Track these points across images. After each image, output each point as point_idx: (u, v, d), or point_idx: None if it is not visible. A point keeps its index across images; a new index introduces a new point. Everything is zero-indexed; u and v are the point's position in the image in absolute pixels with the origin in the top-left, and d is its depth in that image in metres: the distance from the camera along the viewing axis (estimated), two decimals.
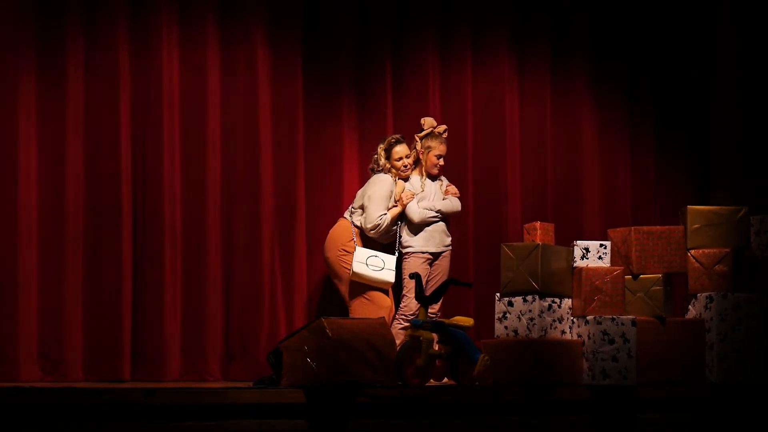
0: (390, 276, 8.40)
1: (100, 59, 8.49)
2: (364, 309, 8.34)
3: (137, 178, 8.55)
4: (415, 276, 7.70)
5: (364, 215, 8.46)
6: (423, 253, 8.54)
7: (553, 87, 9.48)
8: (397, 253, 8.47)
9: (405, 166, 8.57)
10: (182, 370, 8.49)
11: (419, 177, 8.64)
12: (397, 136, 8.63)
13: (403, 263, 8.58)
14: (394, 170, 8.57)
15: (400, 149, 8.57)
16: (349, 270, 8.34)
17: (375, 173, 8.61)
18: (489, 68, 9.33)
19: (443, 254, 8.61)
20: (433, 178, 8.65)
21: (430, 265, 8.55)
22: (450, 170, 8.98)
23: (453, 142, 9.11)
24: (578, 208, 9.46)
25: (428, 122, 8.64)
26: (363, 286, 8.38)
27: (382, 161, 8.57)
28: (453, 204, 8.62)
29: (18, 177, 8.28)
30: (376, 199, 8.45)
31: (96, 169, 8.46)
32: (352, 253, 8.37)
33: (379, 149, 8.59)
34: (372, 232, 8.43)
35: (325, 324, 6.93)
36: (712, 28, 9.69)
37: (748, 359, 7.64)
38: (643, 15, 9.66)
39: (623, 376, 7.51)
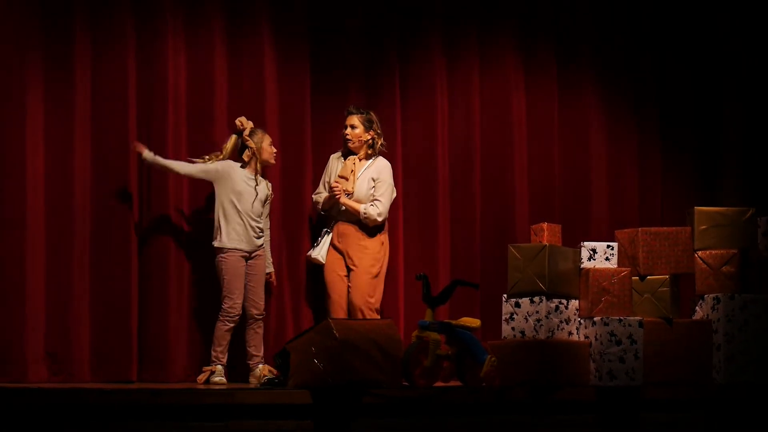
0: (316, 253, 8.44)
1: (107, 61, 8.48)
2: None
3: (143, 179, 8.54)
4: (422, 277, 7.68)
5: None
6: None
7: (560, 88, 9.47)
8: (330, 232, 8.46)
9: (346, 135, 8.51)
10: (189, 370, 8.49)
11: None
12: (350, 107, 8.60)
13: None
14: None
15: (347, 119, 8.52)
16: None
17: None
18: (496, 70, 9.33)
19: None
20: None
21: None
22: (457, 172, 8.97)
23: (460, 143, 9.13)
24: (585, 209, 9.45)
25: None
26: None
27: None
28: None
29: (25, 179, 8.27)
30: None
31: (103, 171, 8.44)
32: None
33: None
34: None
35: (332, 325, 6.94)
36: (718, 28, 9.69)
37: (755, 360, 7.64)
38: (650, 17, 9.65)
39: (630, 377, 7.51)
